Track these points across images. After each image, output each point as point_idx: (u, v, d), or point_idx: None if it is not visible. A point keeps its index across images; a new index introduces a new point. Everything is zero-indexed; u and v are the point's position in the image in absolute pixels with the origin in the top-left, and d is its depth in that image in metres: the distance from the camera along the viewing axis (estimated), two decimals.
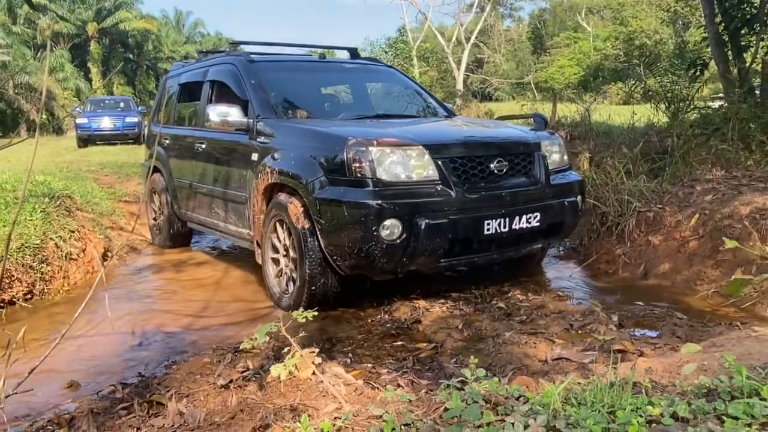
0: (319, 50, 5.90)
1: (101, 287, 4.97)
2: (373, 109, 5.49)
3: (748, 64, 9.90)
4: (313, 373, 2.20)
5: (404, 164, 3.61)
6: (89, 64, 36.61)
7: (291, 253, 3.97)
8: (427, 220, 3.50)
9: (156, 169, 6.16)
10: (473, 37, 35.61)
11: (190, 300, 4.52)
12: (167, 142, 5.94)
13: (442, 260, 3.75)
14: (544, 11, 55.62)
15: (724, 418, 1.33)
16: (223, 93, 5.08)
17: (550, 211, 4.04)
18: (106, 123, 18.77)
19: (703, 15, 10.94)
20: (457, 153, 3.80)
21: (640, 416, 1.36)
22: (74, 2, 36.28)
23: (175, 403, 2.33)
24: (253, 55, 5.16)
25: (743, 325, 3.16)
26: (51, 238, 4.77)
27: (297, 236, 3.80)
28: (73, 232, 5.16)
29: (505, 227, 3.77)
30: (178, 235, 6.10)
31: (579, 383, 1.93)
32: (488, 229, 3.72)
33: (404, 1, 33.30)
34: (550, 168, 4.17)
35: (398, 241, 3.47)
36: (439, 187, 3.64)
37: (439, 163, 3.68)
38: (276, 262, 4.18)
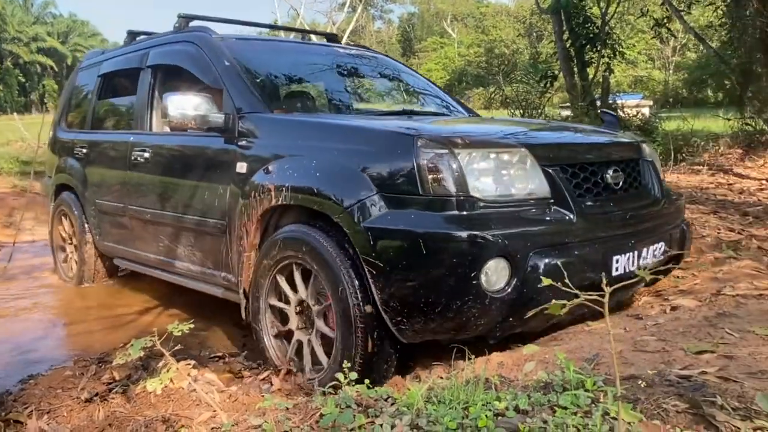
0: (291, 33, 5.20)
1: None
2: (391, 103, 4.34)
3: (590, 77, 11.04)
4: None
5: (502, 175, 2.47)
6: None
7: (313, 312, 2.71)
8: (547, 259, 2.35)
9: (66, 187, 4.89)
10: (345, 37, 35.98)
11: (46, 307, 4.27)
12: (84, 151, 4.64)
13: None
14: (413, 15, 57.60)
15: (556, 408, 1.57)
16: (172, 82, 3.98)
17: (673, 238, 2.98)
18: None
19: (553, 31, 12.01)
20: (568, 159, 2.68)
21: (489, 410, 1.56)
22: None
23: (35, 421, 2.24)
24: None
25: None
26: None
27: (329, 286, 2.55)
28: None
29: (633, 264, 2.65)
30: (100, 273, 4.80)
31: (442, 378, 2.12)
32: (616, 269, 2.59)
33: None
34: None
35: (508, 290, 2.29)
36: (552, 208, 2.49)
37: (550, 172, 2.54)
38: (283, 325, 2.88)
